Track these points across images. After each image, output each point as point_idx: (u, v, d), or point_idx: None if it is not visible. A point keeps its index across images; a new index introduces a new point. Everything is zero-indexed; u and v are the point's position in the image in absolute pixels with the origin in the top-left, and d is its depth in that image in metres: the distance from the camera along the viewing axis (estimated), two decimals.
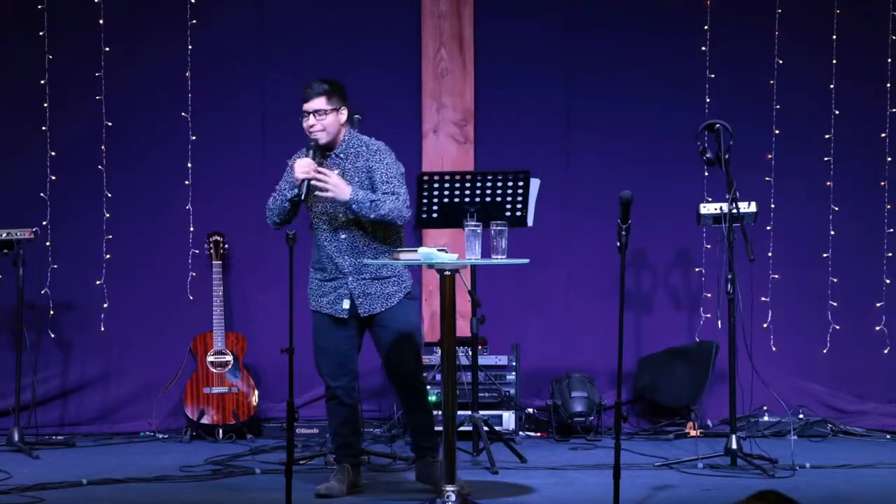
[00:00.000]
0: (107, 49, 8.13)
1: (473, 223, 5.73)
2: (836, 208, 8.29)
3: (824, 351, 8.31)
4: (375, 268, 6.02)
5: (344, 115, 6.08)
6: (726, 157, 6.77)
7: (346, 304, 6.02)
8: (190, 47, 8.16)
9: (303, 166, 5.91)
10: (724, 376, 7.13)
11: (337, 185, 5.88)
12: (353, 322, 6.06)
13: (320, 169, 5.89)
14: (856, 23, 8.27)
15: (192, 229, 8.16)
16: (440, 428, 5.74)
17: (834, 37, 8.25)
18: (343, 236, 5.99)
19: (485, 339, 7.79)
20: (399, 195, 5.97)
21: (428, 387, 7.61)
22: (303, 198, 5.91)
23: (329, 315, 6.06)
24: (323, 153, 6.05)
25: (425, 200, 6.00)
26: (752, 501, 3.21)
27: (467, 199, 5.98)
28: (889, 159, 8.30)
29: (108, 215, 8.17)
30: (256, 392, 7.91)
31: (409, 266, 6.11)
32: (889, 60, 8.29)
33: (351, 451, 6.19)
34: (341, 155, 6.06)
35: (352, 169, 6.04)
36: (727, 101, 8.16)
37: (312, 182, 5.87)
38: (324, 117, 6.02)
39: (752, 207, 7.26)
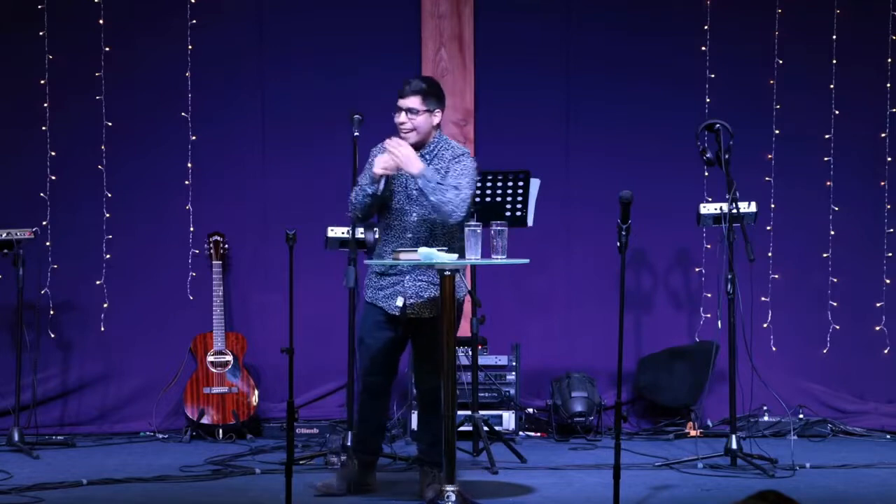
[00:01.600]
0: (107, 49, 8.13)
1: (473, 223, 5.73)
2: (836, 208, 8.29)
3: (824, 351, 8.31)
4: (434, 273, 5.87)
5: (438, 117, 6.01)
6: (726, 157, 6.77)
7: (399, 303, 5.97)
8: (190, 47, 8.16)
9: (382, 162, 5.85)
10: (724, 376, 7.13)
11: (407, 157, 5.79)
12: (402, 322, 6.00)
13: (395, 140, 5.82)
14: (856, 23, 8.28)
15: (192, 229, 8.16)
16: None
17: (834, 37, 8.25)
18: (409, 236, 5.92)
19: (485, 339, 7.78)
20: (461, 191, 5.82)
21: None
22: (380, 193, 5.86)
23: (381, 310, 6.00)
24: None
25: None
26: (752, 501, 3.20)
27: None
28: (889, 159, 8.30)
29: (108, 215, 8.17)
30: (256, 392, 7.91)
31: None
32: (889, 60, 8.29)
33: (365, 448, 6.15)
34: (426, 156, 5.95)
35: (457, 170, 5.94)
36: (727, 101, 8.17)
37: (387, 155, 5.80)
38: (415, 117, 5.95)
39: (752, 207, 7.26)
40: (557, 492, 6.21)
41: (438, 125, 6.03)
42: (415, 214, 5.91)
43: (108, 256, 8.17)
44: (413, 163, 5.80)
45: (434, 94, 6.00)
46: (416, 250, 5.68)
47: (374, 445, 6.18)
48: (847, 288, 8.31)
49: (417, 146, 5.95)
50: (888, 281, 8.29)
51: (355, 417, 6.23)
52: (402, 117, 5.96)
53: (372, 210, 5.95)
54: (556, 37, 8.37)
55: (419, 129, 5.96)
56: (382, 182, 5.85)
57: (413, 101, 5.96)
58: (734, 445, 6.73)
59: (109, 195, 8.18)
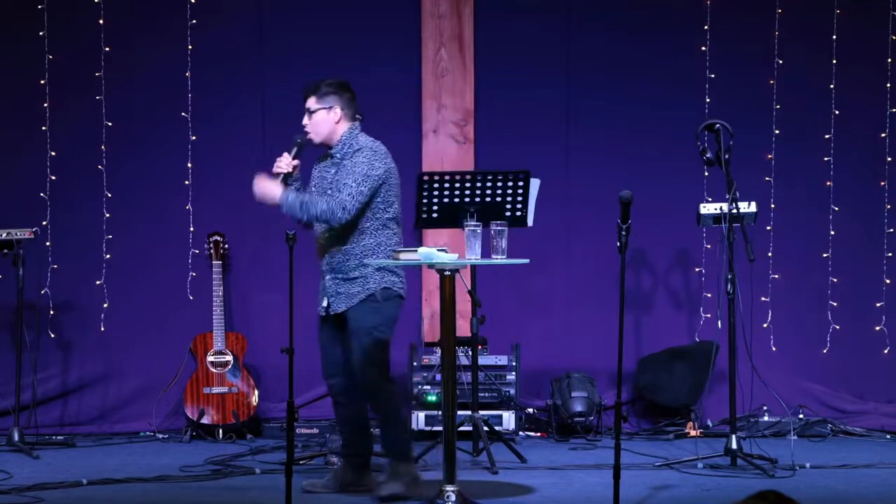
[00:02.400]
0: (107, 49, 8.13)
1: (473, 223, 5.73)
2: (836, 208, 8.29)
3: (824, 351, 8.31)
4: (348, 268, 5.97)
5: (337, 114, 6.02)
6: (726, 157, 6.77)
7: (324, 303, 6.04)
8: (190, 47, 8.16)
9: (279, 161, 6.01)
10: (724, 376, 7.13)
11: (263, 193, 5.95)
12: (334, 322, 6.05)
13: (258, 178, 5.96)
14: (856, 23, 8.28)
15: (192, 229, 8.16)
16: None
17: (834, 37, 8.25)
18: (319, 237, 6.02)
19: (485, 339, 7.78)
20: (337, 196, 5.85)
21: (428, 387, 7.68)
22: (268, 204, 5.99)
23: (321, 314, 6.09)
24: (325, 152, 6.07)
25: (425, 200, 6.01)
26: (752, 501, 3.20)
27: (467, 199, 5.98)
28: (889, 159, 8.30)
29: (108, 215, 8.17)
30: (256, 392, 7.91)
31: (409, 266, 6.10)
32: (889, 60, 8.29)
33: (350, 450, 6.17)
34: (338, 155, 6.05)
35: (334, 171, 6.02)
36: (727, 101, 8.17)
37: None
38: (313, 116, 6.03)
39: (752, 207, 7.26)
40: (557, 492, 6.21)
41: (341, 121, 6.03)
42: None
43: (108, 256, 8.17)
44: (270, 195, 5.93)
45: (332, 91, 6.02)
46: (415, 250, 5.69)
47: (362, 447, 6.16)
48: (847, 288, 8.31)
49: (327, 145, 6.04)
50: (888, 281, 8.29)
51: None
52: (304, 119, 6.05)
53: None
54: (556, 37, 8.37)
55: (318, 128, 6.02)
56: (280, 181, 5.96)
57: (310, 102, 6.04)
58: (734, 445, 6.73)
59: (109, 195, 8.18)
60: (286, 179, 5.99)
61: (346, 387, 6.09)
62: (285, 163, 6.00)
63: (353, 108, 6.08)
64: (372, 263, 5.99)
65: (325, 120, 6.02)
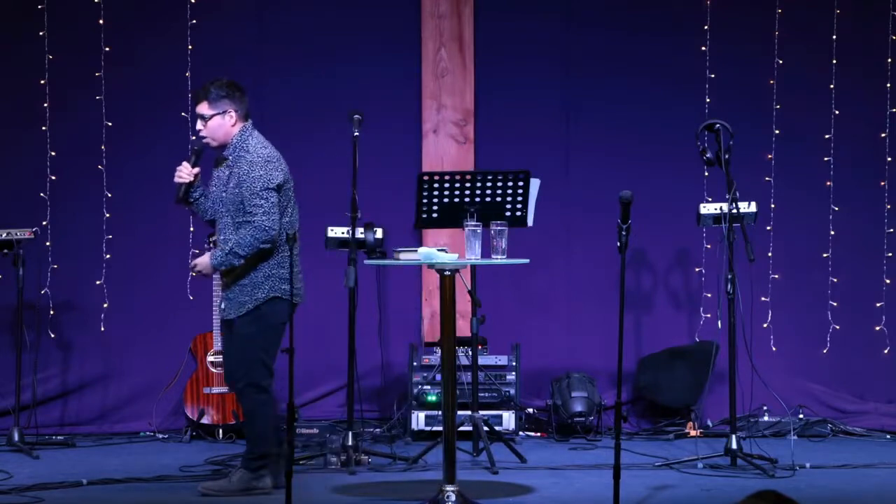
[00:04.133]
0: (107, 49, 8.13)
1: (473, 223, 5.74)
2: (836, 208, 8.29)
3: (824, 351, 8.31)
4: (240, 271, 5.95)
5: (233, 117, 6.00)
6: (726, 157, 6.77)
7: (223, 305, 6.09)
8: (190, 47, 8.16)
9: (179, 170, 6.02)
10: (724, 376, 7.13)
11: (201, 268, 6.02)
12: (225, 325, 6.15)
13: (194, 264, 6.04)
14: (856, 23, 8.27)
15: (192, 229, 8.16)
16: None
17: (834, 37, 8.25)
18: (213, 238, 6.06)
19: (485, 339, 7.78)
20: (253, 220, 5.85)
21: (428, 387, 7.68)
22: (177, 200, 6.04)
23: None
24: (220, 156, 6.09)
25: (425, 200, 6.01)
26: (752, 501, 3.20)
27: (467, 199, 5.98)
28: (889, 159, 8.30)
29: (108, 215, 8.17)
30: None
31: (408, 266, 6.10)
32: (889, 60, 8.29)
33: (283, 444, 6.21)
34: (230, 158, 6.04)
35: (227, 174, 6.04)
36: (727, 101, 8.16)
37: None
38: (206, 123, 6.01)
39: (752, 207, 7.26)
40: (557, 492, 6.21)
41: (236, 123, 6.02)
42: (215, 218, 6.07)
43: (108, 256, 8.17)
44: (205, 266, 6.01)
45: (223, 95, 5.99)
46: (415, 250, 5.69)
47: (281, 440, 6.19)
48: (847, 288, 8.31)
49: (221, 149, 6.04)
50: (888, 281, 8.29)
51: (267, 419, 6.11)
52: (198, 124, 6.06)
53: (193, 215, 6.14)
54: (556, 37, 8.37)
55: (214, 133, 6.02)
56: (181, 189, 6.02)
57: (202, 108, 6.03)
58: (734, 445, 6.73)
59: (109, 195, 8.17)
60: (188, 188, 6.01)
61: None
62: (186, 172, 6.02)
63: (245, 107, 6.05)
64: (372, 264, 5.99)
65: (221, 125, 6.01)
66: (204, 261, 5.99)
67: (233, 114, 6.00)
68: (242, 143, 6.01)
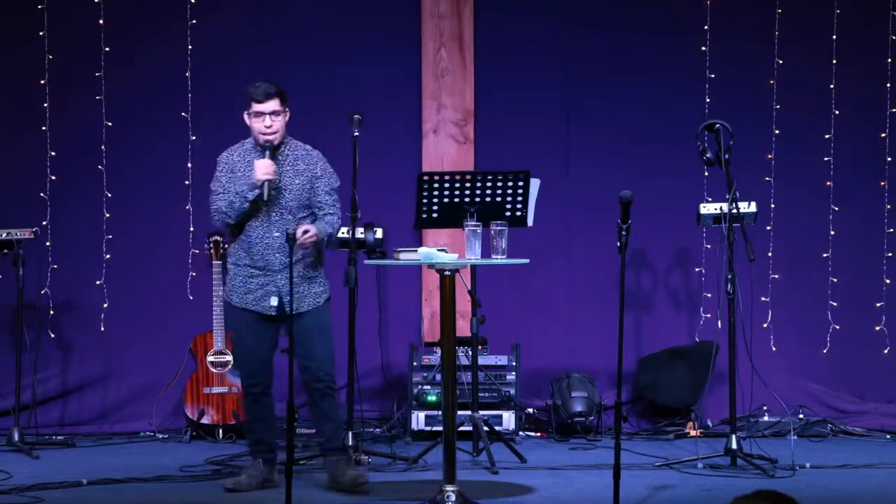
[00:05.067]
0: (107, 49, 8.13)
1: (473, 223, 5.74)
2: (836, 208, 8.29)
3: (824, 351, 8.31)
4: (304, 267, 6.06)
5: (288, 115, 6.16)
6: (726, 157, 6.77)
7: (273, 302, 6.06)
8: (190, 47, 8.16)
9: (264, 167, 5.99)
10: (724, 376, 7.13)
11: (315, 232, 5.98)
12: (276, 321, 6.12)
13: (307, 229, 5.94)
14: (856, 23, 8.27)
15: (192, 229, 8.16)
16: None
17: (834, 37, 8.25)
18: (276, 234, 6.04)
19: (485, 339, 7.78)
20: (336, 211, 6.15)
21: (428, 387, 7.68)
22: (266, 198, 5.98)
23: (255, 312, 6.08)
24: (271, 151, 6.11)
25: (425, 200, 6.01)
26: (751, 501, 3.20)
27: (467, 199, 5.98)
28: (889, 159, 8.30)
29: (108, 215, 8.17)
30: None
31: (409, 266, 6.11)
32: (889, 60, 8.29)
33: (265, 447, 6.26)
34: (288, 154, 6.13)
35: (292, 172, 6.12)
36: (727, 101, 8.16)
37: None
38: (278, 118, 6.08)
39: (752, 207, 7.26)
40: (557, 492, 6.21)
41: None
42: (275, 214, 6.06)
43: (108, 256, 8.17)
44: (319, 235, 6.01)
45: (286, 95, 6.17)
46: (415, 250, 5.69)
47: (271, 444, 6.28)
48: (847, 288, 8.31)
49: (271, 147, 6.08)
50: (888, 281, 8.29)
51: (247, 421, 6.39)
52: (268, 121, 6.07)
53: (248, 216, 6.06)
54: (556, 37, 8.37)
55: (280, 130, 6.12)
56: (266, 187, 5.96)
57: (275, 104, 6.10)
58: (734, 445, 6.73)
59: (109, 195, 8.17)
60: (272, 184, 6.00)
61: (269, 386, 6.26)
62: (272, 169, 6.02)
63: None
64: (372, 264, 6.00)
65: (285, 123, 6.14)
66: (313, 227, 5.99)
67: (288, 113, 6.14)
68: (296, 142, 6.19)
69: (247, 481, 6.15)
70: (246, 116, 6.15)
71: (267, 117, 6.07)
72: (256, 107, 6.08)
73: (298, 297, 6.08)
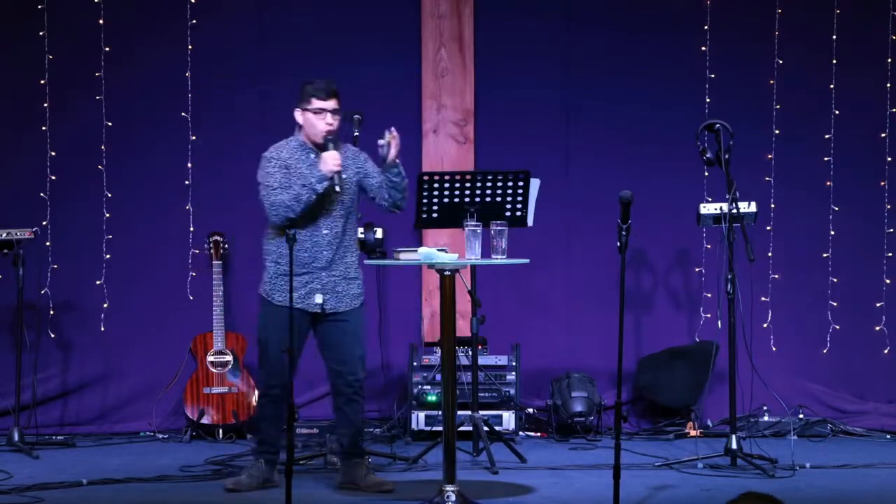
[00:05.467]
0: (107, 49, 8.13)
1: (473, 223, 5.74)
2: (836, 208, 8.29)
3: (824, 351, 8.31)
4: (346, 266, 6.06)
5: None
6: (726, 157, 6.77)
7: (318, 300, 6.05)
8: (190, 47, 8.16)
9: (334, 159, 5.99)
10: (724, 376, 7.13)
11: (396, 150, 6.07)
12: (315, 320, 6.12)
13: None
14: (856, 23, 8.27)
15: (192, 229, 8.16)
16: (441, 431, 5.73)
17: (834, 37, 8.25)
18: (325, 231, 6.04)
19: (485, 339, 7.78)
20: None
21: (428, 387, 7.68)
22: (339, 189, 5.99)
23: (297, 310, 6.04)
24: (313, 148, 6.13)
25: (425, 200, 6.01)
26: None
27: (467, 199, 5.98)
28: (889, 159, 8.30)
29: (108, 215, 8.17)
30: (256, 392, 7.91)
31: (409, 266, 6.12)
32: (889, 60, 8.29)
33: (269, 448, 6.25)
34: (341, 151, 6.14)
35: (365, 166, 6.21)
36: (727, 101, 8.16)
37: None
38: (337, 116, 6.14)
39: (752, 207, 7.26)
40: (557, 492, 6.21)
41: None
42: (324, 211, 6.07)
43: (108, 256, 8.17)
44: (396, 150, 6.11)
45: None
46: (415, 250, 5.69)
47: (277, 444, 6.25)
48: (847, 288, 8.31)
49: (322, 144, 6.10)
50: (888, 281, 8.29)
51: (260, 420, 6.36)
52: (329, 118, 6.09)
53: (311, 211, 6.06)
54: (556, 37, 8.37)
55: (336, 128, 6.14)
56: (338, 178, 5.98)
57: (335, 102, 6.13)
58: (734, 445, 6.73)
59: (109, 195, 8.18)
60: (341, 175, 6.01)
61: (290, 386, 6.14)
62: (340, 159, 6.03)
63: None
64: (371, 264, 6.00)
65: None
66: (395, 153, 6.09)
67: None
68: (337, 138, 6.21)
69: (247, 481, 6.15)
70: (300, 112, 6.13)
71: (329, 115, 6.07)
72: (318, 103, 6.08)
73: (338, 297, 6.08)
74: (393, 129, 6.06)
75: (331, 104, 6.10)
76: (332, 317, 6.08)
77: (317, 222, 6.06)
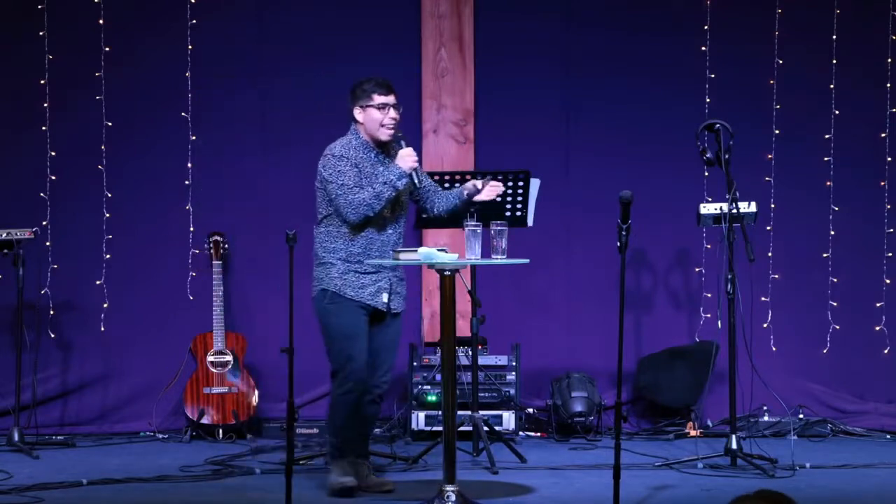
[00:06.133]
0: (107, 49, 8.13)
1: (473, 223, 5.74)
2: (836, 208, 8.29)
3: (824, 351, 8.31)
4: (402, 267, 6.08)
5: None
6: (726, 157, 6.77)
7: (385, 298, 6.04)
8: (190, 47, 8.16)
9: (411, 155, 5.98)
10: (724, 376, 7.13)
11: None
12: (378, 318, 6.10)
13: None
14: (856, 23, 8.27)
15: (192, 229, 8.16)
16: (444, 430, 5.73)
17: (834, 37, 8.25)
18: (390, 231, 6.02)
19: (485, 339, 7.78)
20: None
21: (428, 387, 7.68)
22: (419, 185, 6.01)
23: (368, 307, 6.00)
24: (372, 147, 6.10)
25: None
26: (752, 500, 3.20)
27: None
28: (889, 159, 8.30)
29: (108, 215, 8.17)
30: (256, 392, 7.91)
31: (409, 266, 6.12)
32: (889, 60, 8.29)
33: (353, 448, 6.15)
34: (393, 150, 6.12)
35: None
36: (727, 101, 8.16)
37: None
38: (400, 109, 6.13)
39: (752, 207, 7.26)
40: (557, 492, 6.21)
41: None
42: (388, 212, 6.03)
43: (108, 256, 8.17)
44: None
45: None
46: (415, 250, 5.69)
47: (362, 446, 6.20)
48: (847, 288, 8.31)
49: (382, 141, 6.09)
50: (888, 281, 8.29)
51: (338, 421, 6.09)
52: (393, 112, 6.08)
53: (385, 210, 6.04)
54: (556, 37, 8.37)
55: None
56: (415, 174, 5.97)
57: (395, 97, 6.13)
58: (734, 445, 6.73)
59: (109, 195, 8.18)
60: (418, 172, 6.01)
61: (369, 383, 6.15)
62: (416, 155, 6.03)
63: None
64: (373, 263, 5.99)
65: None
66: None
67: None
68: None
69: (352, 481, 6.03)
70: (360, 110, 6.06)
71: (391, 109, 6.05)
72: (381, 98, 6.04)
73: (398, 297, 6.09)
74: (498, 188, 6.07)
75: (392, 98, 6.06)
76: (387, 319, 6.07)
77: (384, 221, 6.02)
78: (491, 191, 6.05)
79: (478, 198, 6.04)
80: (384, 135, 6.04)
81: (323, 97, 8.16)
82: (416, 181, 5.98)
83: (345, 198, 5.94)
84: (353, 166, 5.98)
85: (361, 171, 5.99)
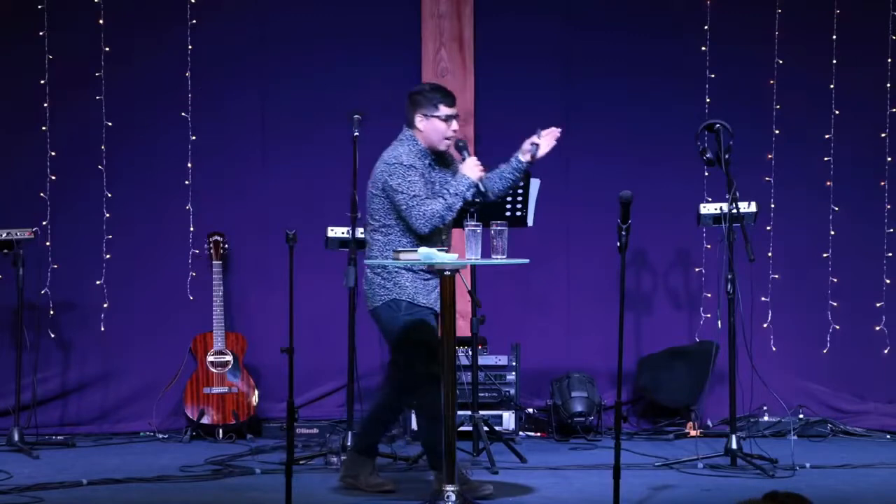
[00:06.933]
0: (107, 49, 8.13)
1: (473, 223, 5.74)
2: (836, 208, 8.29)
3: (824, 351, 8.31)
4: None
5: None
6: (726, 157, 6.77)
7: (433, 297, 6.02)
8: (190, 47, 8.16)
9: (477, 165, 5.94)
10: (724, 376, 7.13)
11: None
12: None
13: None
14: (856, 23, 8.27)
15: (192, 229, 8.16)
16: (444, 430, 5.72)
17: (834, 37, 8.25)
18: (444, 237, 5.99)
19: (485, 339, 7.78)
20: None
21: None
22: (486, 193, 5.97)
23: (436, 313, 5.96)
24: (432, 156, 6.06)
25: None
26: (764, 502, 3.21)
27: None
28: (889, 159, 8.30)
29: (108, 215, 8.17)
30: (256, 392, 7.91)
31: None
32: (889, 60, 8.29)
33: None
34: (449, 158, 6.12)
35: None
36: (727, 101, 8.16)
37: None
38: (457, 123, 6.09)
39: (752, 207, 7.26)
40: (557, 492, 6.21)
41: None
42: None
43: (108, 256, 8.17)
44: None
45: None
46: (415, 250, 5.69)
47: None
48: (847, 288, 8.31)
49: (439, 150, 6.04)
50: (888, 281, 8.29)
51: (434, 416, 5.84)
52: (455, 124, 6.04)
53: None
54: (556, 37, 8.37)
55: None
56: (482, 184, 5.94)
57: (457, 109, 6.07)
58: (734, 445, 6.73)
59: (109, 195, 8.17)
60: (483, 182, 5.97)
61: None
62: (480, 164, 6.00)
63: None
64: (373, 264, 5.99)
65: None
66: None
67: None
68: None
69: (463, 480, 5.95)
70: (422, 118, 5.98)
71: (454, 121, 6.02)
72: (447, 110, 5.98)
73: (436, 300, 6.01)
74: (554, 129, 5.98)
75: (455, 110, 6.04)
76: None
77: (441, 231, 5.97)
78: (549, 139, 5.97)
79: (540, 152, 5.95)
80: (444, 145, 6.01)
81: (323, 97, 8.17)
82: (482, 189, 5.93)
83: (418, 209, 5.85)
84: (421, 176, 5.93)
85: (429, 180, 5.97)
